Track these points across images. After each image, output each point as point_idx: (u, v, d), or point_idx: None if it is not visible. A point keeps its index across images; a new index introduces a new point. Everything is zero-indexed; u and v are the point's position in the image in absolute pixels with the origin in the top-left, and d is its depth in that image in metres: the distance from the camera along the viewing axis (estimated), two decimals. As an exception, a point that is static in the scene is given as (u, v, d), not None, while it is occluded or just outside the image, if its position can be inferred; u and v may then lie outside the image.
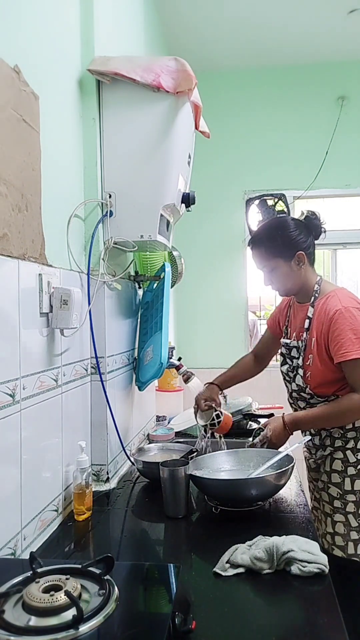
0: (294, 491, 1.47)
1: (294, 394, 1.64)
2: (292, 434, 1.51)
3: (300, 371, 1.58)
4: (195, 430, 2.18)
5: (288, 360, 1.63)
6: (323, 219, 1.60)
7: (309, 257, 1.58)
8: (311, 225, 1.59)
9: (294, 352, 1.60)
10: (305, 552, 0.99)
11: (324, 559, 0.99)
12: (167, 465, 1.33)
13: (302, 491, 1.48)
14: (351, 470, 1.51)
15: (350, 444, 1.52)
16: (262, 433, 1.53)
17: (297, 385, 1.60)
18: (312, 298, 1.56)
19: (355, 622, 1.35)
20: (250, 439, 1.60)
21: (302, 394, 1.59)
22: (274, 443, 1.51)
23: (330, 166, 3.23)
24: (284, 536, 1.05)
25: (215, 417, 1.69)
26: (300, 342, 1.57)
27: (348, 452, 1.52)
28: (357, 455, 1.51)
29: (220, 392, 1.81)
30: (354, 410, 1.46)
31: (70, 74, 1.43)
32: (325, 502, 1.56)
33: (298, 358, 1.58)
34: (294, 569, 0.97)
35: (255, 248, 1.59)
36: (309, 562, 0.97)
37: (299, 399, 1.62)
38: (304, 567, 0.97)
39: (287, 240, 1.54)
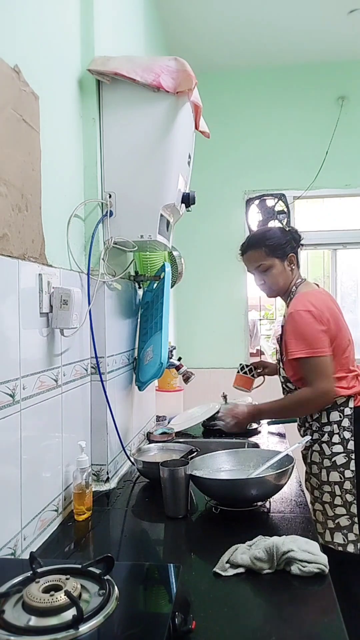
0: (294, 491, 1.47)
1: (283, 385, 1.81)
2: (253, 421, 1.82)
3: (281, 365, 1.77)
4: (195, 430, 2.18)
5: (278, 354, 1.82)
6: (302, 234, 1.83)
7: (297, 260, 1.79)
8: (294, 236, 1.80)
9: (280, 348, 1.78)
10: (306, 552, 0.99)
11: (324, 559, 0.99)
12: (167, 465, 1.32)
13: (302, 491, 1.48)
14: (326, 462, 1.63)
15: (326, 437, 1.65)
16: (225, 410, 1.79)
17: (282, 377, 1.78)
18: (288, 299, 1.75)
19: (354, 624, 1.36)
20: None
21: (287, 384, 1.76)
22: (232, 423, 1.76)
23: (330, 166, 3.23)
24: (284, 536, 1.05)
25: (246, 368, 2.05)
26: (280, 339, 1.75)
27: (324, 445, 1.65)
28: (332, 448, 1.63)
29: (275, 371, 1.98)
30: (305, 402, 1.63)
31: (70, 74, 1.43)
32: (309, 492, 1.69)
33: (281, 354, 1.75)
34: (294, 569, 0.97)
35: (253, 249, 1.76)
36: (309, 562, 0.98)
37: (287, 390, 1.79)
38: (304, 567, 0.97)
39: (282, 242, 1.74)
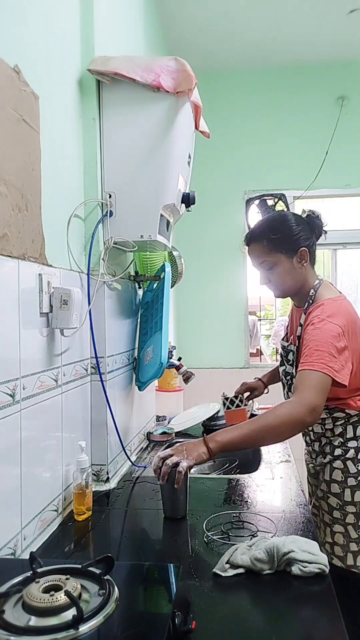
0: (294, 491, 1.47)
1: (287, 385, 1.60)
2: (212, 453, 1.22)
3: (292, 364, 1.53)
4: (195, 430, 2.18)
5: (285, 363, 1.60)
6: (324, 219, 1.53)
7: (311, 256, 1.49)
8: (313, 224, 1.52)
9: (290, 356, 1.56)
10: (306, 553, 0.99)
11: (324, 559, 0.99)
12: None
13: (302, 491, 1.48)
14: (351, 481, 1.45)
15: (351, 454, 1.46)
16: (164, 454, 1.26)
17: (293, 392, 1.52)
18: (306, 304, 1.47)
19: (355, 633, 1.33)
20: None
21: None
22: (177, 451, 1.24)
23: (330, 166, 3.24)
24: (284, 536, 1.05)
25: (232, 401, 1.84)
26: (294, 347, 1.52)
27: (349, 462, 1.46)
28: (357, 466, 1.45)
29: (264, 388, 1.91)
30: (291, 421, 1.23)
31: (70, 74, 1.43)
32: (324, 512, 1.51)
33: (292, 365, 1.53)
34: (295, 569, 0.97)
35: (255, 242, 1.49)
36: (309, 563, 0.97)
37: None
38: (304, 567, 0.97)
39: (290, 234, 1.45)
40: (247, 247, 1.54)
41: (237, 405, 1.81)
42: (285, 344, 1.61)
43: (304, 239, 1.47)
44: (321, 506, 1.52)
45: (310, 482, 1.62)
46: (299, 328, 1.48)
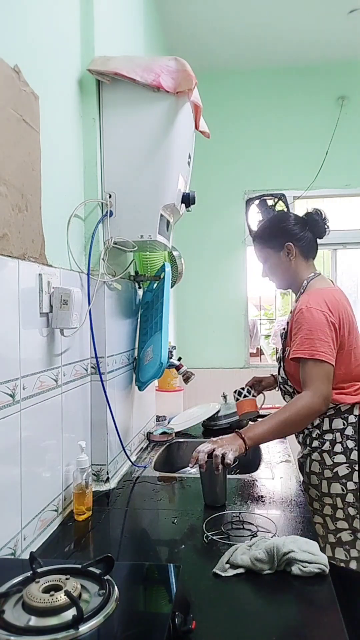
0: (294, 491, 1.47)
1: (281, 386, 1.68)
2: (249, 446, 1.37)
3: (283, 363, 1.63)
4: (195, 430, 2.18)
5: (280, 352, 1.69)
6: (326, 216, 1.64)
7: (301, 250, 1.62)
8: (310, 221, 1.63)
9: (282, 343, 1.67)
10: (306, 553, 0.99)
11: (324, 559, 0.99)
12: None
13: (302, 491, 1.48)
14: (327, 473, 1.50)
15: (327, 446, 1.51)
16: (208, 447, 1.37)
17: (281, 377, 1.65)
18: (299, 293, 1.60)
19: (355, 633, 1.33)
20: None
21: (285, 386, 1.64)
22: (218, 445, 1.36)
23: (330, 166, 3.24)
24: (284, 536, 1.05)
25: (240, 392, 1.83)
26: (285, 335, 1.64)
27: (325, 455, 1.51)
28: (333, 458, 1.49)
29: (274, 382, 1.87)
30: (309, 409, 1.40)
31: (70, 74, 1.43)
32: (307, 503, 1.51)
33: (283, 350, 1.63)
34: (295, 569, 0.97)
35: (254, 241, 1.70)
36: (309, 563, 0.98)
37: (285, 393, 1.66)
38: (304, 567, 0.97)
39: (277, 231, 1.62)
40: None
41: (245, 396, 1.84)
42: (284, 330, 1.68)
43: (291, 234, 1.61)
44: (305, 498, 1.53)
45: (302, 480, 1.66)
46: (290, 315, 1.61)
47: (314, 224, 1.63)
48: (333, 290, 1.58)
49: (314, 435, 1.55)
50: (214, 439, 1.41)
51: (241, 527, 1.22)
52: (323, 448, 1.52)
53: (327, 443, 1.52)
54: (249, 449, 1.37)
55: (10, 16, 1.07)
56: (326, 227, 1.64)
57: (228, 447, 1.34)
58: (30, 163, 1.14)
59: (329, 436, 1.52)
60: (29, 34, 1.16)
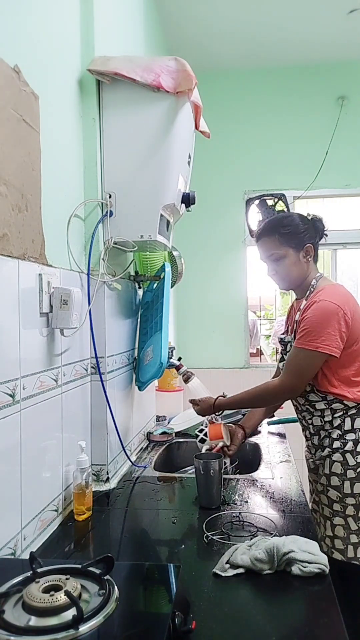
0: (294, 491, 1.47)
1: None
2: (216, 412, 1.72)
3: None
4: (194, 430, 2.18)
5: (284, 355, 1.64)
6: (326, 223, 1.66)
7: (315, 253, 1.63)
8: (316, 226, 1.64)
9: (288, 348, 1.60)
10: (306, 553, 0.99)
11: (324, 559, 0.99)
12: (201, 458, 1.41)
13: (302, 491, 1.48)
14: (350, 474, 1.48)
15: (349, 446, 1.49)
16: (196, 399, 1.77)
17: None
18: (308, 292, 1.59)
19: (355, 625, 1.34)
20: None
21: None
22: (197, 409, 1.75)
23: (330, 166, 3.23)
24: (284, 536, 1.05)
25: (198, 433, 1.72)
26: (293, 335, 1.59)
27: (347, 455, 1.49)
28: (356, 458, 1.48)
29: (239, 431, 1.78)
30: (269, 394, 1.57)
31: (70, 74, 1.43)
32: (324, 505, 1.53)
33: (284, 351, 1.62)
34: (295, 569, 0.97)
35: (266, 236, 1.61)
36: (309, 563, 0.98)
37: (298, 395, 1.59)
38: (304, 567, 0.97)
39: (298, 231, 1.59)
40: (257, 241, 1.65)
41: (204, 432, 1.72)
42: (283, 336, 1.68)
43: (309, 236, 1.60)
44: (321, 500, 1.54)
45: (310, 479, 1.63)
46: (298, 313, 1.57)
47: (318, 228, 1.64)
48: (343, 288, 1.59)
49: (334, 436, 1.52)
50: (198, 400, 1.77)
51: (241, 527, 1.22)
52: (345, 448, 1.49)
53: (350, 443, 1.49)
54: (217, 410, 1.71)
55: (10, 16, 1.07)
56: (326, 233, 1.67)
57: (201, 411, 1.74)
58: (30, 163, 1.14)
59: (351, 436, 1.50)
60: (29, 34, 1.16)
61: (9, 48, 1.05)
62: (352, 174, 3.28)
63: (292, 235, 1.58)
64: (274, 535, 1.15)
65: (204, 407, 1.73)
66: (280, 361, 1.69)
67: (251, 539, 1.08)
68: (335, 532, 1.48)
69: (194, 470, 1.44)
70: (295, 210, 3.36)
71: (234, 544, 1.06)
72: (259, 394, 1.59)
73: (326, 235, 1.66)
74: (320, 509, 1.54)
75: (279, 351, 1.71)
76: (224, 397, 1.91)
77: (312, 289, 1.58)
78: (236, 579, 0.97)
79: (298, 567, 0.97)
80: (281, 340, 1.67)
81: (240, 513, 1.30)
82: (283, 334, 1.71)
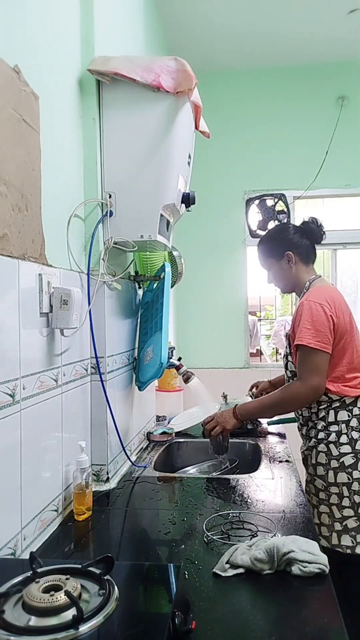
0: (294, 491, 1.47)
1: (289, 381, 1.76)
2: (240, 420, 1.71)
3: (290, 358, 1.72)
4: (195, 430, 2.18)
5: (285, 349, 1.78)
6: (321, 224, 1.78)
7: (301, 257, 1.75)
8: (306, 228, 1.78)
9: (286, 342, 1.78)
10: (306, 553, 0.99)
11: (324, 559, 0.99)
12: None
13: (302, 491, 1.48)
14: (334, 463, 1.58)
15: (333, 437, 1.59)
16: (207, 419, 1.77)
17: (290, 371, 1.74)
18: (302, 293, 1.73)
19: (356, 625, 1.35)
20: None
21: (294, 379, 1.68)
22: (218, 422, 1.73)
23: (330, 166, 3.24)
24: (284, 536, 1.05)
25: None
26: (290, 331, 1.72)
27: (331, 445, 1.59)
28: (339, 449, 1.58)
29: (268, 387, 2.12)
30: (297, 396, 1.60)
31: (70, 74, 1.43)
32: (312, 494, 1.63)
33: (289, 346, 1.73)
34: (295, 569, 0.97)
35: (258, 251, 1.83)
36: (309, 563, 0.98)
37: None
38: (304, 567, 0.97)
39: (278, 242, 1.76)
40: None
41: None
42: (286, 332, 1.81)
43: (291, 243, 1.75)
44: (310, 490, 1.65)
45: (304, 469, 1.73)
46: (295, 313, 1.70)
47: (310, 232, 1.77)
48: (332, 288, 1.72)
49: (319, 427, 1.63)
50: (216, 413, 1.76)
51: (241, 527, 1.22)
52: (329, 439, 1.60)
53: (333, 434, 1.60)
54: (242, 421, 1.73)
55: (10, 16, 1.07)
56: (322, 233, 1.78)
57: (225, 422, 1.71)
58: (30, 163, 1.14)
59: (334, 427, 1.61)
60: (29, 34, 1.16)
61: (9, 48, 1.05)
62: (352, 174, 3.28)
63: (270, 248, 1.77)
64: (274, 535, 1.15)
65: (226, 419, 1.73)
66: (285, 357, 1.79)
67: (251, 539, 1.08)
68: (322, 520, 1.60)
69: (193, 470, 1.45)
70: (295, 210, 3.37)
71: (234, 544, 1.06)
72: (282, 399, 1.64)
73: (323, 234, 1.78)
74: (310, 498, 1.64)
75: (285, 347, 1.81)
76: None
77: (305, 290, 1.72)
78: (236, 579, 0.97)
79: (298, 567, 0.97)
80: (287, 335, 1.78)
81: (240, 513, 1.30)
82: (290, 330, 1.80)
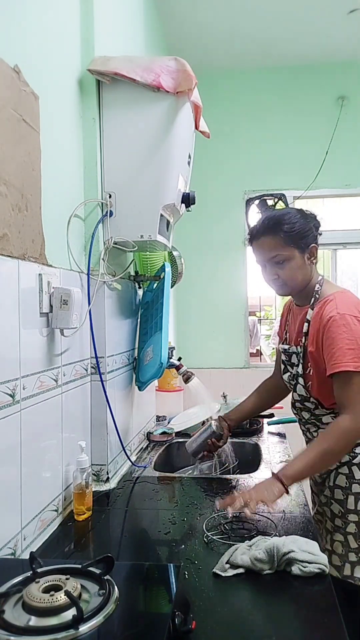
0: (294, 491, 1.47)
1: (297, 404, 1.52)
2: (287, 491, 1.23)
3: (301, 380, 1.46)
4: (194, 430, 2.17)
5: (289, 367, 1.52)
6: (321, 220, 1.51)
7: (316, 255, 1.47)
8: (316, 223, 1.49)
9: (293, 359, 1.49)
10: (306, 553, 0.99)
11: (324, 558, 0.99)
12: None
13: (302, 491, 1.47)
14: (356, 488, 1.38)
15: (358, 460, 1.39)
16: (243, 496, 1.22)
17: (299, 395, 1.49)
18: (312, 300, 1.44)
19: (355, 625, 1.32)
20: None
21: (305, 403, 1.48)
22: (257, 494, 1.21)
23: (330, 166, 3.23)
24: (284, 536, 1.05)
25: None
26: (299, 347, 1.46)
27: (354, 468, 1.39)
28: None
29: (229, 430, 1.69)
30: (350, 435, 1.28)
31: (70, 74, 1.43)
32: (327, 518, 1.45)
33: (298, 365, 1.47)
34: (295, 569, 0.97)
35: (268, 235, 1.41)
36: (309, 563, 0.98)
37: (303, 409, 1.51)
38: (304, 567, 0.97)
39: (304, 230, 1.41)
40: (255, 241, 1.45)
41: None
42: (287, 347, 1.53)
43: (314, 236, 1.44)
44: (325, 513, 1.47)
45: (314, 489, 1.56)
46: (306, 324, 1.44)
47: (318, 228, 1.49)
48: (352, 294, 1.44)
49: None
50: (250, 489, 1.25)
51: (241, 527, 1.22)
52: (353, 462, 1.39)
53: (358, 457, 1.39)
54: (288, 491, 1.23)
55: (10, 16, 1.07)
56: (319, 231, 1.50)
57: (266, 496, 1.19)
58: (30, 163, 1.14)
59: (359, 449, 1.39)
60: (29, 34, 1.16)
61: (9, 48, 1.05)
62: (352, 174, 3.28)
63: (299, 234, 1.39)
64: (274, 535, 1.15)
65: (267, 487, 1.23)
66: (284, 373, 1.56)
67: (251, 539, 1.08)
68: (334, 548, 1.41)
69: (193, 469, 1.44)
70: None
71: (233, 544, 1.06)
72: (338, 441, 1.28)
73: (320, 234, 1.50)
74: (324, 521, 1.48)
75: (281, 359, 1.57)
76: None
77: (317, 296, 1.44)
78: (236, 579, 0.97)
79: (298, 567, 0.97)
80: (285, 352, 1.54)
81: (240, 513, 1.30)
82: (283, 342, 1.59)
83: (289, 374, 1.53)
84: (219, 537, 1.16)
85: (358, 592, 1.36)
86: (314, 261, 1.45)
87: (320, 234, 1.49)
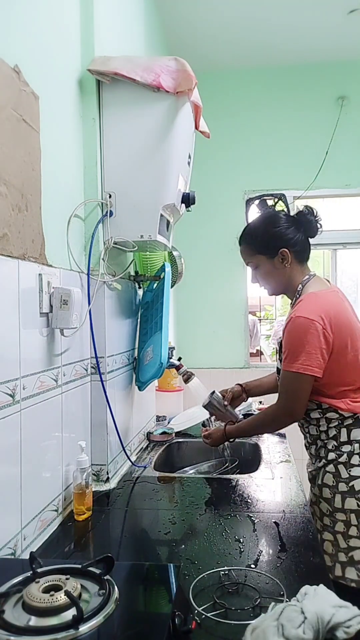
0: (294, 491, 1.47)
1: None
2: (228, 440, 1.68)
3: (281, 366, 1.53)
4: (195, 430, 2.18)
5: (278, 363, 1.60)
6: (319, 214, 1.53)
7: (297, 255, 1.50)
8: (303, 221, 1.53)
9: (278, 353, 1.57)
10: (342, 609, 0.78)
11: (355, 608, 0.79)
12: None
13: (302, 491, 1.48)
14: (342, 487, 1.39)
15: (344, 458, 1.41)
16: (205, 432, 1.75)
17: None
18: (295, 299, 1.51)
19: None
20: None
21: None
22: (210, 441, 1.70)
23: (330, 166, 3.23)
24: (305, 593, 0.81)
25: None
26: (279, 345, 1.54)
27: (340, 467, 1.41)
28: (350, 471, 1.39)
29: (241, 393, 1.83)
30: (272, 421, 1.52)
31: (70, 74, 1.43)
32: (317, 517, 1.45)
33: (280, 361, 1.52)
34: (340, 633, 0.75)
35: (241, 243, 1.57)
36: (349, 620, 0.76)
37: (301, 418, 1.53)
38: (348, 628, 0.75)
39: (271, 236, 1.49)
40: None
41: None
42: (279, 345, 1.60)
43: (285, 239, 1.49)
44: (315, 512, 1.46)
45: (310, 488, 1.55)
46: (286, 323, 1.48)
47: (308, 224, 1.52)
48: (328, 293, 1.47)
49: (330, 447, 1.44)
50: (208, 433, 1.72)
51: (237, 592, 0.94)
52: (340, 460, 1.41)
53: (345, 455, 1.41)
54: (228, 439, 1.68)
55: (11, 16, 1.07)
56: (319, 225, 1.53)
57: (214, 441, 1.70)
58: (30, 163, 1.14)
59: (346, 447, 1.41)
60: (29, 34, 1.16)
61: (9, 48, 1.05)
62: (352, 174, 3.28)
63: (263, 243, 1.49)
64: (284, 596, 0.91)
65: (216, 438, 1.69)
66: (278, 370, 1.61)
67: (254, 608, 0.87)
68: (324, 548, 1.40)
69: (193, 471, 1.44)
70: (296, 211, 3.35)
71: (232, 622, 0.83)
72: (261, 421, 1.58)
73: (320, 227, 1.53)
74: (314, 520, 1.45)
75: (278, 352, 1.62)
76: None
77: (297, 295, 1.49)
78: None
79: (343, 630, 0.75)
80: (279, 343, 1.58)
81: (230, 570, 1.01)
82: (280, 337, 1.61)
83: (276, 369, 1.64)
84: (212, 613, 0.86)
85: (351, 593, 1.31)
86: (286, 264, 1.49)
87: (314, 231, 1.54)
